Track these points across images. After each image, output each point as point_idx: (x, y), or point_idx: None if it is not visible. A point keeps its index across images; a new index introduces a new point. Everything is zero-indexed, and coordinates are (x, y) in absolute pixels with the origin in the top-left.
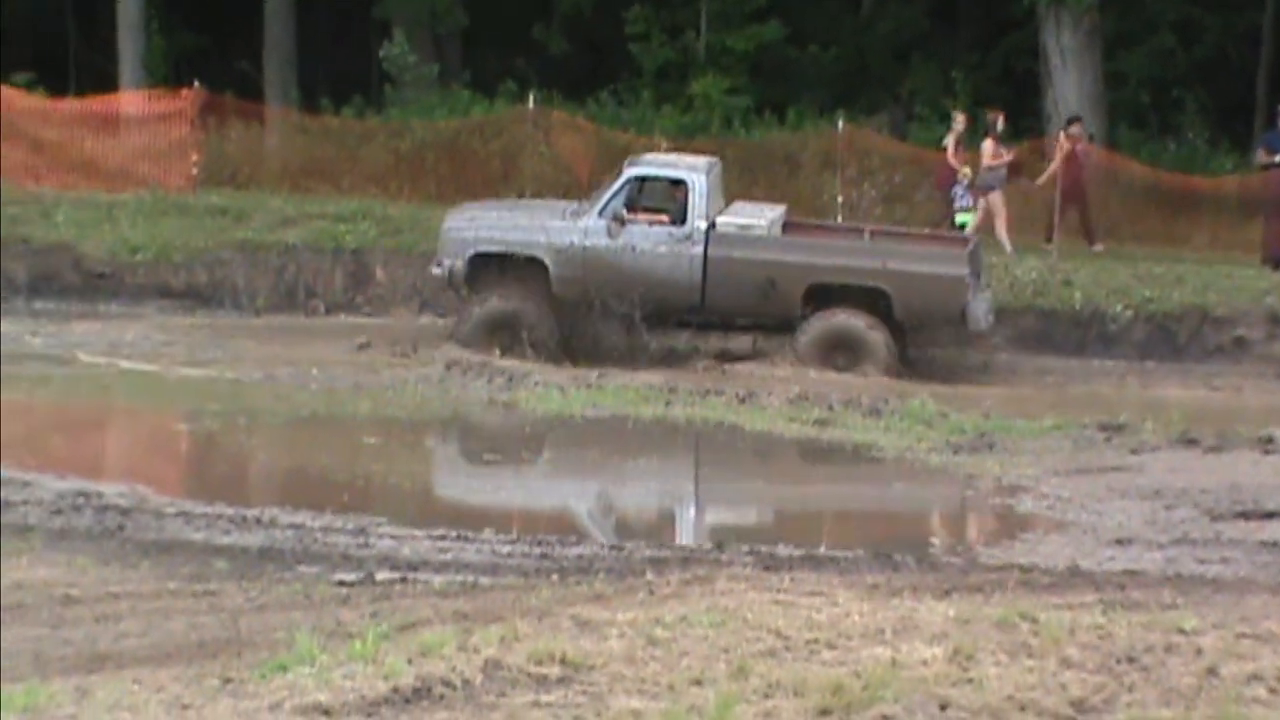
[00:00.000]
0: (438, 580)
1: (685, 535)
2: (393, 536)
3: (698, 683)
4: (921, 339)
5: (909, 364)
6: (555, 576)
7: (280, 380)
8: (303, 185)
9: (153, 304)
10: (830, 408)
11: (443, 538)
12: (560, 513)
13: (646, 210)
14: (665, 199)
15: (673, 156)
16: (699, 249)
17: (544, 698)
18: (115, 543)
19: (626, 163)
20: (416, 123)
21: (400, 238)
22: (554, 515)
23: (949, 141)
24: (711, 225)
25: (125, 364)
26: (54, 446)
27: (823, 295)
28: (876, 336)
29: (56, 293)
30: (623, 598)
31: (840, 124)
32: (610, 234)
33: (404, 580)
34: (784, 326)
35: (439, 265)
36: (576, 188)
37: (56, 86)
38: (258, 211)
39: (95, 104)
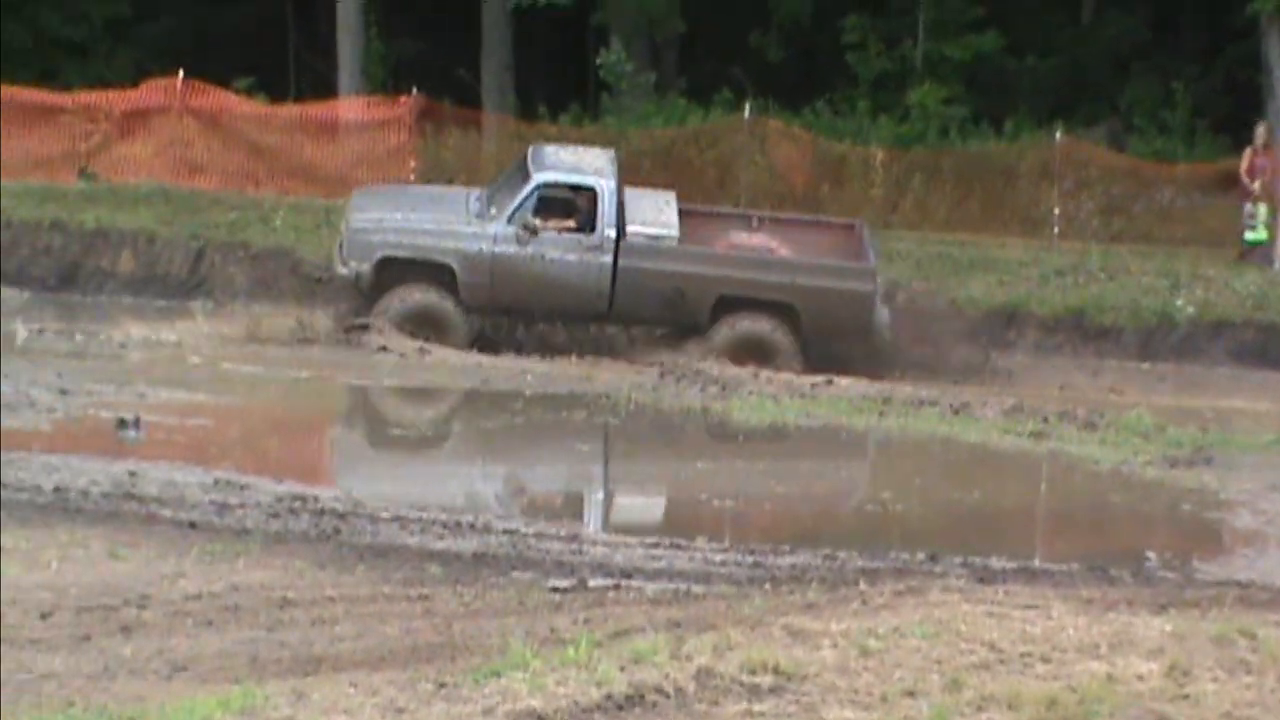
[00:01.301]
0: (650, 588)
1: (898, 546)
2: (606, 543)
3: (910, 694)
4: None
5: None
6: (768, 585)
7: (495, 386)
8: None
9: None
10: (1045, 420)
11: (655, 545)
12: (773, 521)
13: (550, 215)
14: (568, 205)
15: (575, 152)
16: (608, 258)
17: (756, 707)
18: (331, 546)
19: (531, 157)
20: (632, 131)
21: None
22: (766, 524)
23: (1246, 155)
24: (620, 234)
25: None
26: (271, 451)
27: (731, 306)
28: (790, 348)
29: (274, 297)
30: (835, 608)
31: (1058, 135)
32: (520, 242)
33: (617, 587)
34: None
35: (345, 266)
36: (792, 198)
37: (277, 92)
38: None
39: (314, 110)
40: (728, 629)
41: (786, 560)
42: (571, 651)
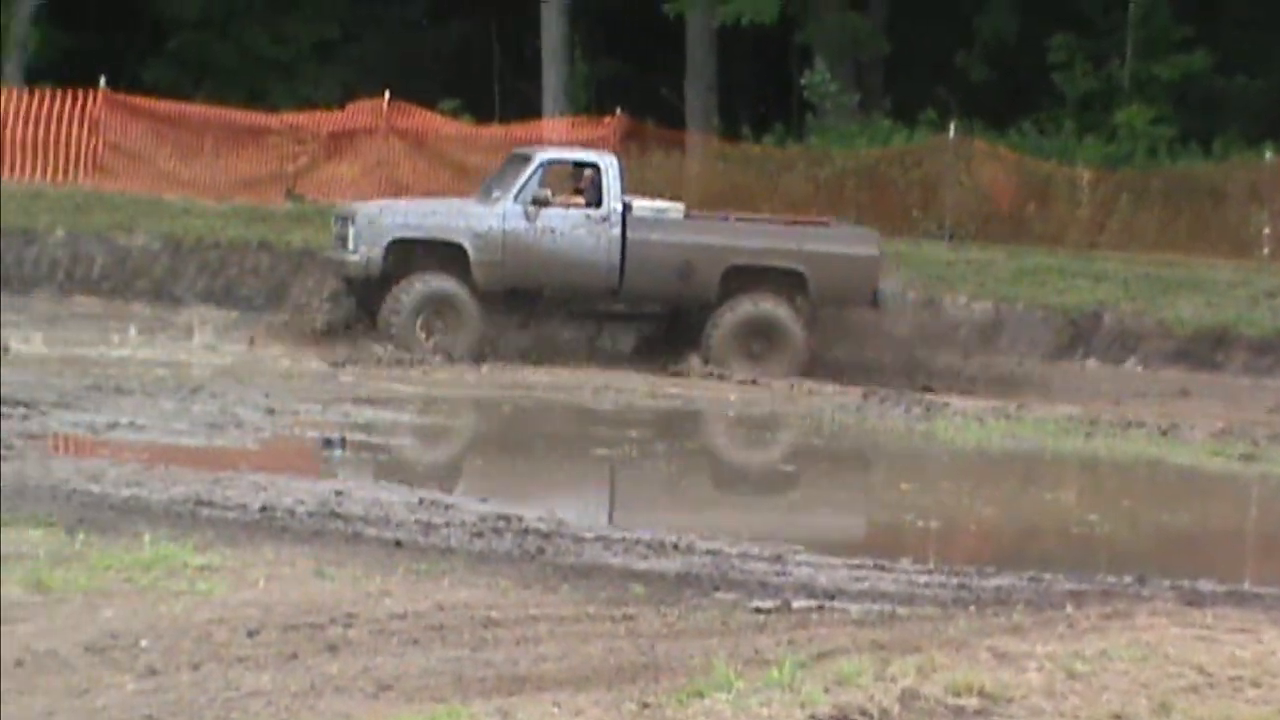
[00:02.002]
0: (854, 609)
1: (1105, 568)
2: (809, 564)
3: (1118, 718)
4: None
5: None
6: (973, 607)
7: (698, 406)
8: (721, 209)
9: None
10: (1255, 442)
11: (859, 566)
12: (977, 543)
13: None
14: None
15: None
16: (616, 231)
17: None
18: (535, 566)
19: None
20: (837, 151)
21: None
22: (971, 546)
23: None
24: (627, 208)
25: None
26: (475, 470)
27: (739, 278)
28: (793, 325)
29: None
30: (1041, 630)
31: (1267, 155)
32: (528, 218)
33: (821, 608)
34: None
35: (355, 253)
36: (997, 219)
37: (482, 113)
38: None
39: (519, 130)
40: (933, 651)
41: (992, 582)
42: (775, 673)
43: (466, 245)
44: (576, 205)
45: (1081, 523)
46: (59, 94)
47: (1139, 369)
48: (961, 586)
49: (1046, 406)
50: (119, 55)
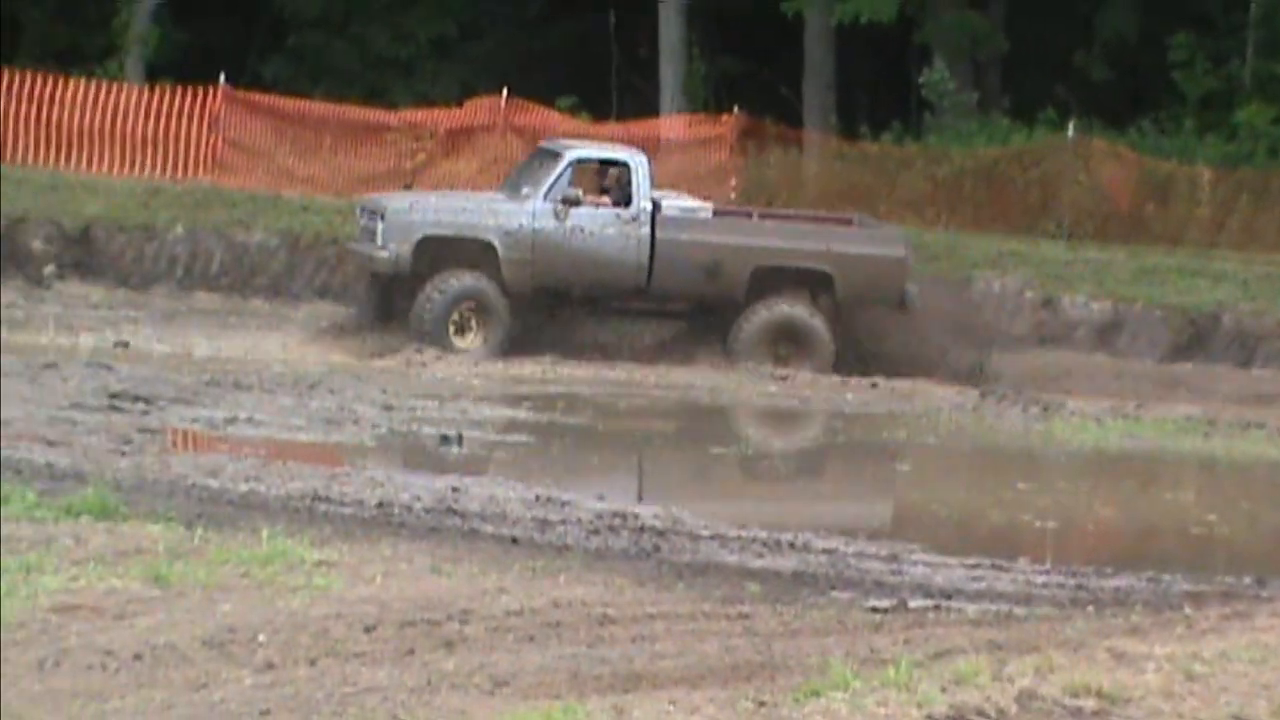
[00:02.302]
0: (971, 609)
1: (1224, 569)
2: (926, 563)
3: None
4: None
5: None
6: (1091, 608)
7: (816, 405)
8: (839, 210)
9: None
10: None
11: (976, 566)
12: (1095, 543)
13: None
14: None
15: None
16: (645, 231)
17: None
18: (651, 564)
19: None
20: (955, 150)
21: (937, 264)
22: (1089, 546)
23: None
24: (656, 207)
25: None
26: (591, 467)
27: (767, 279)
28: (820, 327)
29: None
30: (1160, 631)
31: None
32: (558, 216)
33: (937, 608)
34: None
35: (384, 250)
36: (1116, 218)
37: (599, 110)
38: None
39: (636, 128)
40: (1050, 651)
41: (1110, 583)
42: (892, 672)
43: (496, 243)
44: (605, 204)
45: (1200, 523)
46: (179, 90)
47: (1258, 370)
48: (1079, 587)
49: (1165, 407)
50: (239, 52)
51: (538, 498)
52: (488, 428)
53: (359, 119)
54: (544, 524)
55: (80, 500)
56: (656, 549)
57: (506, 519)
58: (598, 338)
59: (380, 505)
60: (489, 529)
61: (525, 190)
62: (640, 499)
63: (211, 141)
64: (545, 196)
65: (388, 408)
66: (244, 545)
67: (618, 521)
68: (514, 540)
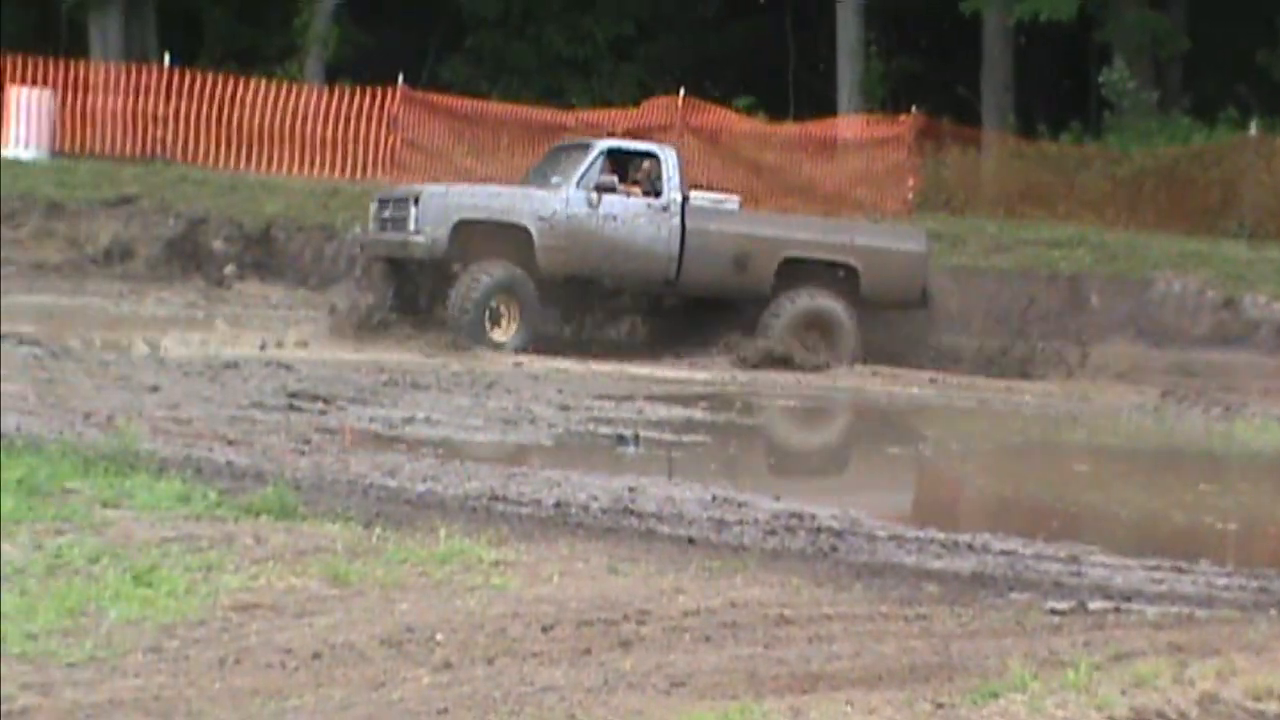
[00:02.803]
0: (1151, 611)
1: None
2: (1105, 565)
3: None
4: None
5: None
6: (1273, 611)
7: (993, 406)
8: (1018, 211)
9: None
10: None
11: (1156, 568)
12: (1278, 545)
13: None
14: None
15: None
16: (676, 221)
17: None
18: (828, 564)
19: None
20: (1135, 149)
21: (1116, 265)
22: (1273, 548)
23: None
24: (685, 199)
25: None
26: (768, 467)
27: (793, 272)
28: (849, 320)
29: None
30: None
31: None
32: (591, 204)
33: (1117, 610)
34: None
35: (419, 235)
36: None
37: (776, 110)
38: (972, 236)
39: (813, 128)
40: (1232, 654)
41: None
42: (1071, 674)
43: (532, 229)
44: (636, 195)
45: None
46: (357, 91)
47: None
48: (1262, 590)
49: None
50: (417, 52)
51: (714, 498)
52: (664, 428)
53: (536, 119)
54: (720, 524)
55: (260, 499)
56: (834, 549)
57: (683, 519)
58: (625, 331)
59: (557, 505)
60: (666, 529)
61: (556, 179)
62: (817, 499)
63: (390, 142)
64: (578, 184)
65: (564, 407)
66: (422, 544)
67: (794, 522)
68: (691, 540)
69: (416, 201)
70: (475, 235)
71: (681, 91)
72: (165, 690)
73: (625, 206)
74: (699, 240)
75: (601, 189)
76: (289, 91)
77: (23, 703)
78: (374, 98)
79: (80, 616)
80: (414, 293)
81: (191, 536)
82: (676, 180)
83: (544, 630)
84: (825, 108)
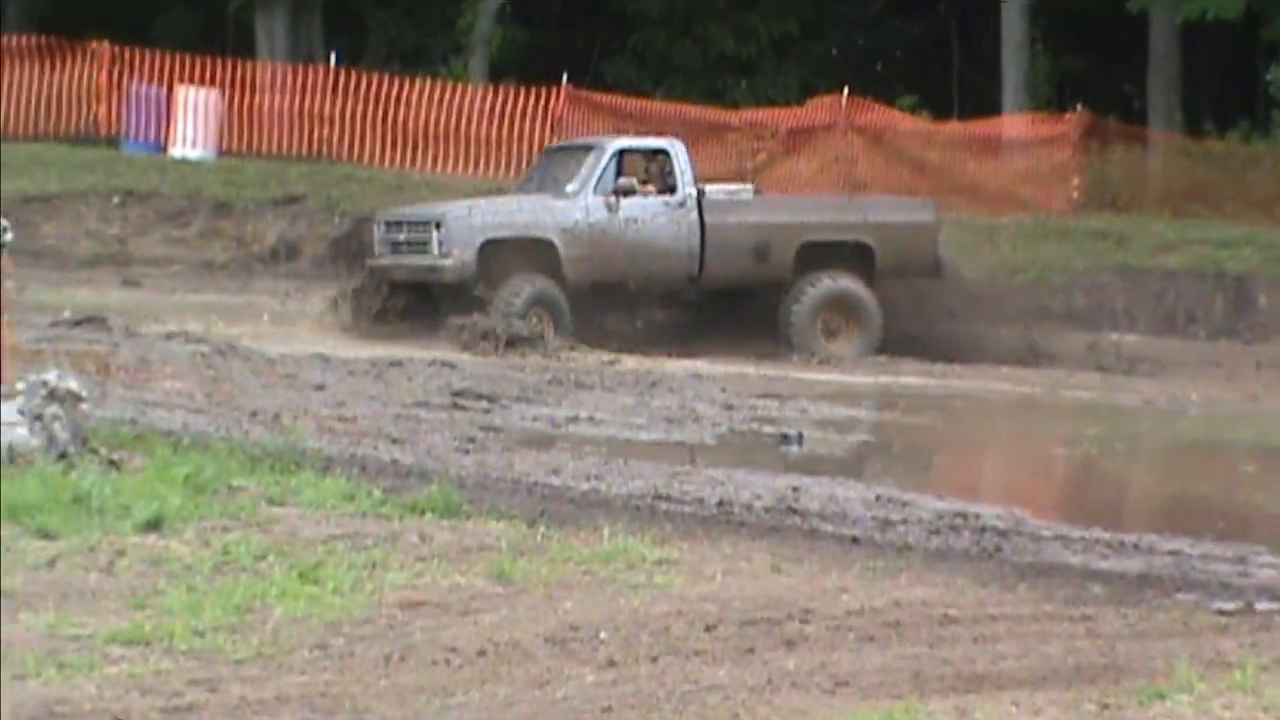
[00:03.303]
0: None
1: None
2: (1273, 566)
3: None
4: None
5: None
6: None
7: (1159, 405)
8: (1184, 210)
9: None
10: None
11: None
12: None
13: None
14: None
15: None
16: (694, 216)
17: None
18: (993, 564)
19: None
20: None
21: None
22: None
23: None
24: (701, 193)
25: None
26: (931, 467)
27: (811, 255)
28: (872, 300)
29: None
30: None
31: None
32: (610, 209)
33: None
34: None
35: (447, 257)
36: None
37: (940, 109)
38: (1137, 235)
39: (977, 127)
40: None
41: None
42: (1238, 675)
43: (557, 242)
44: (650, 193)
45: None
46: (521, 91)
47: None
48: None
49: None
50: (581, 51)
51: (878, 497)
52: (828, 427)
53: (700, 118)
54: (884, 523)
55: (425, 497)
56: (998, 549)
57: (847, 518)
58: (657, 329)
59: (721, 504)
60: (829, 528)
61: (572, 186)
62: (981, 498)
63: (553, 141)
64: (595, 189)
65: (728, 406)
66: (585, 543)
67: (959, 521)
68: (854, 540)
69: (439, 225)
70: (501, 253)
71: (845, 90)
72: (331, 687)
73: (644, 207)
74: (718, 234)
75: (621, 192)
76: (453, 91)
77: (190, 699)
78: (538, 97)
79: (247, 613)
80: (429, 308)
81: (357, 534)
82: (690, 174)
83: (707, 629)
84: (990, 106)
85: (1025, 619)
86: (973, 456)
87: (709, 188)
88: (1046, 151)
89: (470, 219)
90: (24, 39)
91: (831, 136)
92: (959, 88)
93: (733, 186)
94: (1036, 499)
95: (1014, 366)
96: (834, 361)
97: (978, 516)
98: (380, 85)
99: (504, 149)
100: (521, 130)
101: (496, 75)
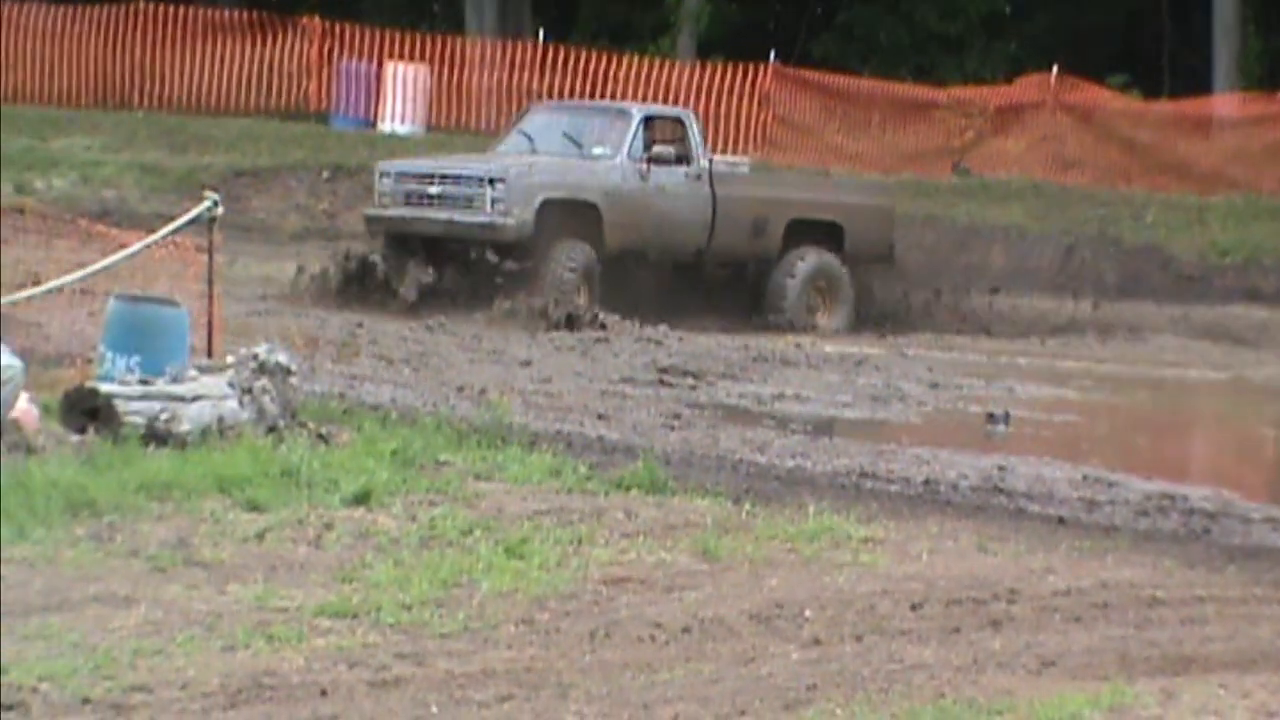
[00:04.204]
0: None
1: None
2: None
3: None
4: None
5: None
6: None
7: None
8: None
9: (1238, 307)
10: None
11: None
12: None
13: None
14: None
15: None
16: (708, 188)
17: None
18: (1201, 546)
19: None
20: None
21: None
22: None
23: None
24: (711, 163)
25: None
26: (1140, 448)
27: (793, 233)
28: (848, 277)
29: (1147, 293)
30: None
31: None
32: (642, 176)
33: None
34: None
35: (508, 216)
36: None
37: (1150, 88)
38: None
39: (1187, 106)
40: None
41: None
42: None
43: (600, 205)
44: (664, 161)
45: None
46: (729, 68)
47: None
48: None
49: None
50: (788, 29)
51: (1085, 477)
52: (1035, 407)
53: (907, 96)
54: (1091, 504)
55: (630, 474)
56: (1207, 531)
57: (1053, 498)
58: (655, 299)
59: (926, 483)
60: (1035, 508)
61: (601, 150)
62: (1189, 479)
63: (761, 118)
64: (629, 154)
65: (934, 385)
66: (790, 521)
67: (1166, 503)
68: (1060, 520)
69: (495, 181)
70: (552, 214)
71: (1055, 68)
72: (536, 662)
73: (669, 175)
74: (727, 206)
75: (656, 160)
76: (661, 68)
77: (397, 672)
78: (745, 74)
79: (453, 588)
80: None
81: (562, 510)
82: (703, 145)
83: (913, 608)
84: (1200, 86)
85: (1233, 601)
86: (1179, 437)
87: (716, 159)
88: (1258, 131)
89: (531, 176)
90: (237, 14)
91: (1040, 115)
92: (1170, 66)
93: (732, 158)
94: (1245, 480)
95: (1202, 342)
96: (823, 333)
97: (1185, 498)
98: (588, 62)
99: (712, 126)
100: (729, 107)
101: (704, 52)
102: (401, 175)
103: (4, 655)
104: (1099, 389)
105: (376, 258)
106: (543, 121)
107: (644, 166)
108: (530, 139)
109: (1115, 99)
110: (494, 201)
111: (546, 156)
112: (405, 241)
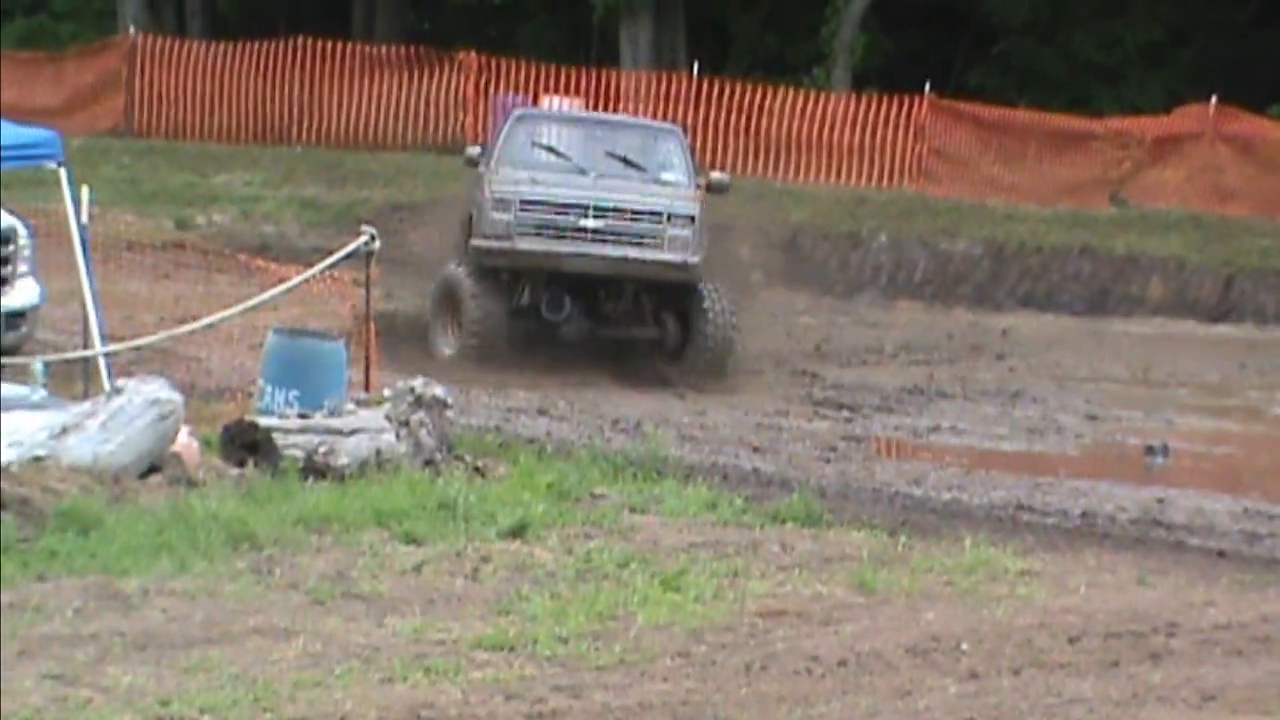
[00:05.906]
0: None
1: None
2: None
3: None
4: None
5: None
6: None
7: None
8: None
9: None
10: None
11: None
12: None
13: None
14: None
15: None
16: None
17: None
18: None
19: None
20: None
21: None
22: None
23: None
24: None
25: None
26: None
27: None
28: None
29: None
30: None
31: None
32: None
33: None
34: None
35: (695, 255)
36: None
37: None
38: None
39: None
40: None
41: None
42: None
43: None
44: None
45: None
46: (884, 99)
47: None
48: None
49: None
50: (944, 60)
51: (1246, 510)
52: (1195, 440)
53: (1064, 127)
54: (1252, 537)
55: (786, 506)
56: None
57: (1214, 531)
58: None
59: (1084, 515)
60: (1195, 541)
61: (671, 175)
62: None
63: (916, 150)
64: (689, 179)
65: (1091, 417)
66: (947, 554)
67: None
68: (1221, 553)
69: (676, 218)
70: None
71: (1214, 99)
72: (693, 695)
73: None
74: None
75: (715, 188)
76: (816, 99)
77: (553, 705)
78: (901, 105)
79: (610, 620)
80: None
81: (718, 542)
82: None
83: (1071, 641)
84: None
85: None
86: None
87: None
88: None
89: (700, 211)
90: (394, 49)
91: (1199, 145)
92: None
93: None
94: None
95: None
96: None
97: None
98: (743, 93)
99: (867, 158)
100: (884, 139)
101: (859, 84)
102: (528, 204)
103: (166, 687)
104: (1259, 421)
105: (529, 294)
106: (568, 137)
107: (703, 192)
108: (563, 156)
109: (1276, 129)
110: (681, 241)
111: (636, 182)
112: (523, 275)
